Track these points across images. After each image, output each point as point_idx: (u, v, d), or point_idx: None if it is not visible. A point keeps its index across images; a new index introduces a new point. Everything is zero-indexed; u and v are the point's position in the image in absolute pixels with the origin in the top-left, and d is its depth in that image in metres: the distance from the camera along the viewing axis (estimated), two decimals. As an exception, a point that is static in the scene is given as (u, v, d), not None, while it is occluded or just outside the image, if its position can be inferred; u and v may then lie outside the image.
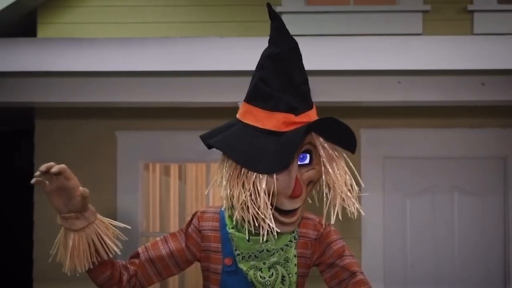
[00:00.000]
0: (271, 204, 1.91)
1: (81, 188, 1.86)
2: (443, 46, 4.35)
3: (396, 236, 5.49)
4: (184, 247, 2.14)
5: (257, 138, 1.92)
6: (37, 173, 1.82)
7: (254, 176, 1.90)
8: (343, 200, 1.96)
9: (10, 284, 7.44)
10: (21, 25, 5.84)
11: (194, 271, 6.32)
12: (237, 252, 2.06)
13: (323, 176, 1.96)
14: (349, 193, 1.97)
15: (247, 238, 2.01)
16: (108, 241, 1.96)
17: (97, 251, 1.95)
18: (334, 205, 1.96)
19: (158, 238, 2.19)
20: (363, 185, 2.06)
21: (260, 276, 2.04)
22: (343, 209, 1.94)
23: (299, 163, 1.94)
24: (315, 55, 4.30)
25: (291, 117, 1.92)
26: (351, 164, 2.02)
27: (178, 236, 2.16)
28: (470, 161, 5.52)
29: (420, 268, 5.48)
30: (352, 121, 6.00)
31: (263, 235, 1.93)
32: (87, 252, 1.93)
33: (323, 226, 2.12)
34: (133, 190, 5.52)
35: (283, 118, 1.92)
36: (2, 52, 4.38)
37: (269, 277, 2.04)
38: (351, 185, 1.99)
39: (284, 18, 1.98)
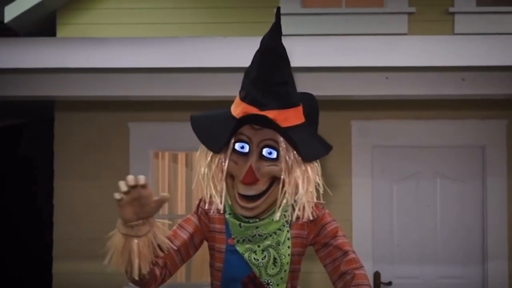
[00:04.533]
0: (233, 187, 1.95)
1: (164, 194, 1.78)
2: (427, 45, 4.34)
3: (384, 218, 5.50)
4: (199, 227, 2.13)
5: (224, 121, 1.91)
6: (124, 188, 1.71)
7: (217, 157, 1.95)
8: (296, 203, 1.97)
9: (32, 264, 7.44)
10: (43, 26, 5.83)
11: (200, 251, 6.33)
12: (233, 236, 2.06)
13: (283, 175, 1.92)
14: (306, 200, 1.96)
15: (239, 224, 2.01)
16: (164, 239, 1.92)
17: (154, 251, 1.90)
18: (295, 205, 1.98)
19: (174, 228, 2.14)
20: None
21: (254, 258, 2.04)
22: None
23: (266, 156, 1.92)
24: (310, 53, 4.30)
25: (254, 109, 1.88)
26: (318, 172, 1.99)
27: (192, 219, 2.14)
28: (451, 149, 5.52)
29: (405, 248, 5.49)
30: (343, 113, 6.00)
31: (215, 211, 2.05)
32: (150, 254, 1.87)
33: (319, 209, 2.12)
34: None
35: (245, 108, 1.90)
36: (25, 50, 4.38)
37: (262, 259, 2.04)
38: (311, 193, 1.98)
39: (282, 19, 1.96)
